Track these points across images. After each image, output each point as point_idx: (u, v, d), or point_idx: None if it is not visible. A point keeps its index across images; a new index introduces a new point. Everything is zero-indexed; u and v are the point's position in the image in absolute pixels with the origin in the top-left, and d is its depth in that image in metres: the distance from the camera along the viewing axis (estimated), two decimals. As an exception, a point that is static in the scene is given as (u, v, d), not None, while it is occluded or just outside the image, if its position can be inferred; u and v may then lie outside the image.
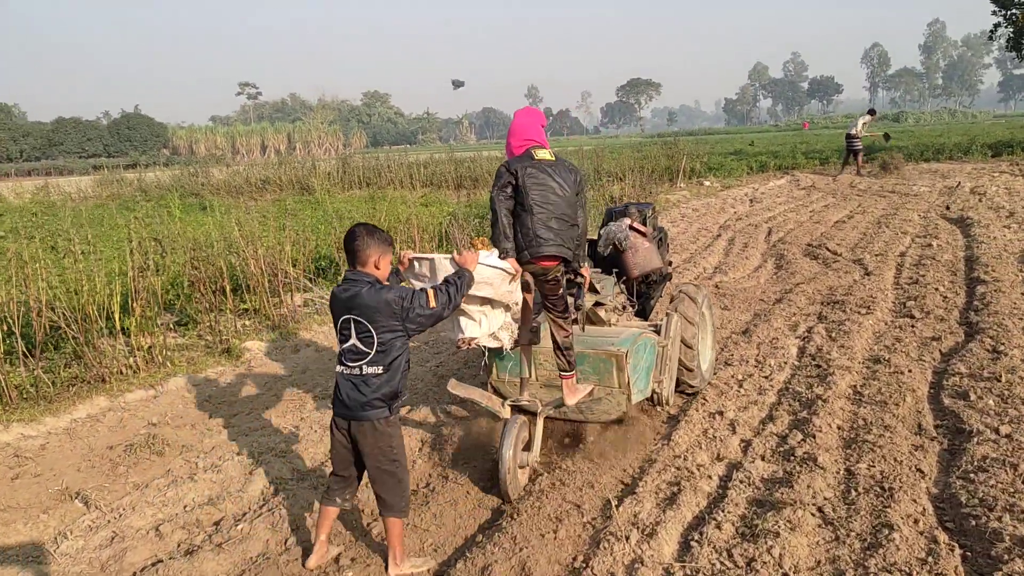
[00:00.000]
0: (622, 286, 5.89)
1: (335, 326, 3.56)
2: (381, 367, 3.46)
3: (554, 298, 4.33)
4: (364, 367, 3.47)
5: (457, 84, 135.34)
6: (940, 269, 9.30)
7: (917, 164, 24.99)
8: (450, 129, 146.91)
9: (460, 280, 3.71)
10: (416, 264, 4.07)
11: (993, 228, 11.64)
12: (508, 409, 4.59)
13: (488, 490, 4.53)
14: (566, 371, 4.41)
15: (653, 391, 5.18)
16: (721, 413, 5.32)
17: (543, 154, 4.36)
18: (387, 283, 3.57)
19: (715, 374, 6.13)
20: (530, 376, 4.75)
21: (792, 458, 4.52)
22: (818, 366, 6.15)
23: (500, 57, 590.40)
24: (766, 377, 6.05)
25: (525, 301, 4.48)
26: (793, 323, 7.51)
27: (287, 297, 8.68)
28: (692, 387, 5.66)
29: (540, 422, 4.64)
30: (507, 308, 4.46)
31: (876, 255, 10.44)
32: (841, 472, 4.35)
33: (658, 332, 5.29)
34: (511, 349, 4.55)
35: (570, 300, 4.61)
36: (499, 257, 4.16)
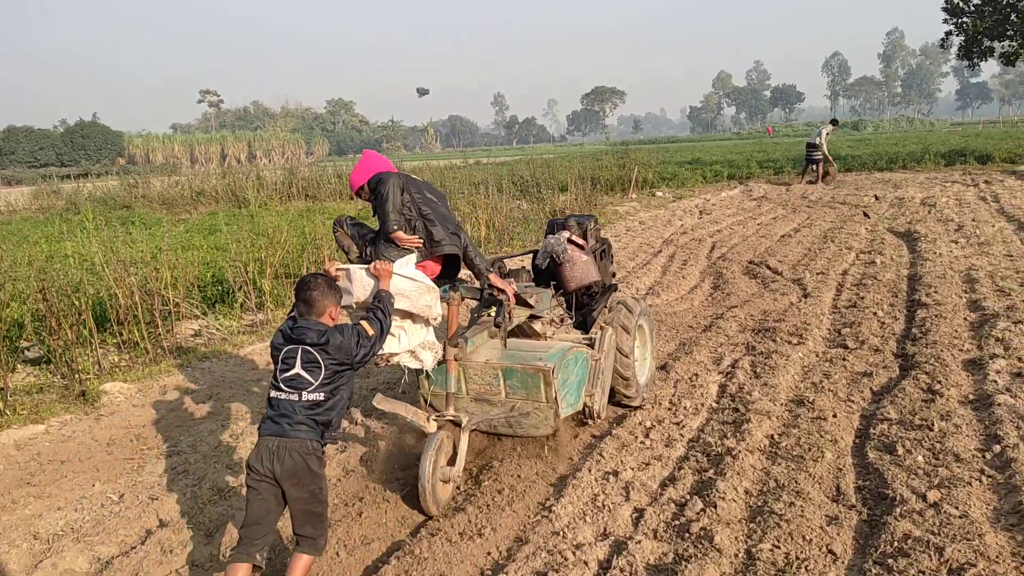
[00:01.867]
0: (560, 299, 5.67)
1: (275, 361, 3.40)
2: (323, 394, 3.35)
3: None
4: (304, 394, 3.32)
5: (422, 92, 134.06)
6: (881, 290, 8.73)
7: (871, 174, 24.78)
8: (415, 137, 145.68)
9: (382, 302, 3.76)
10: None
11: (940, 243, 11.15)
12: (434, 424, 4.43)
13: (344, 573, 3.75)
14: None
15: (584, 405, 5.01)
16: (617, 473, 4.59)
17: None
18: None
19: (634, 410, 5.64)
20: (459, 391, 4.59)
21: (687, 535, 3.81)
22: (736, 410, 5.46)
23: (465, 65, 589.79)
24: (677, 424, 5.35)
25: (451, 315, 4.42)
26: (718, 356, 6.83)
27: (165, 328, 7.79)
28: (628, 399, 5.55)
29: (465, 436, 4.48)
30: (427, 323, 4.35)
31: (817, 273, 9.85)
32: (740, 555, 3.65)
33: (592, 345, 5.17)
34: (433, 369, 4.47)
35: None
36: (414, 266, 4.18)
